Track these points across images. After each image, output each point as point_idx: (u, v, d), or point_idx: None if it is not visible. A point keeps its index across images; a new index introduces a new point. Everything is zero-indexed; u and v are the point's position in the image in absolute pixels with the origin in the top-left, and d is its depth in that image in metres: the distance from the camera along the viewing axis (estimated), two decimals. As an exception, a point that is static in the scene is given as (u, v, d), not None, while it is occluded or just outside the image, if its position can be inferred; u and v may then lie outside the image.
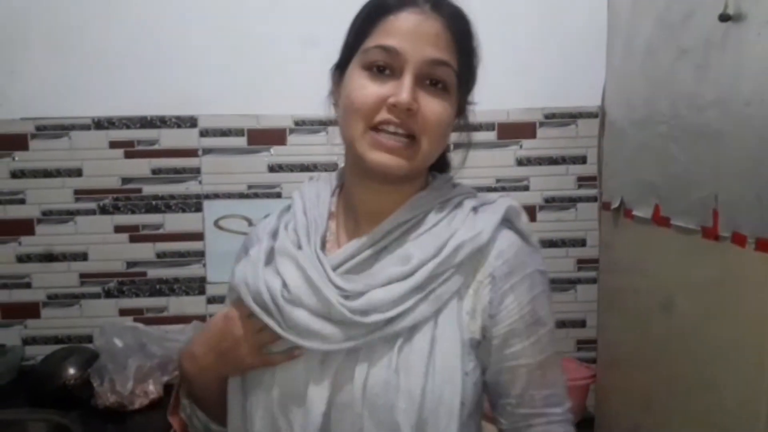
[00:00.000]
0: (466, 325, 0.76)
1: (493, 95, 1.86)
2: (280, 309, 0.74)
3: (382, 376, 0.72)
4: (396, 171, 0.76)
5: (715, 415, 1.10)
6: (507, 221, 0.81)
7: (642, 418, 1.42)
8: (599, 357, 1.79)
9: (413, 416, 0.71)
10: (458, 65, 0.78)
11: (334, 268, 0.77)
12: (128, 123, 1.87)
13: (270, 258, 0.80)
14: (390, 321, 0.73)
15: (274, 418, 0.76)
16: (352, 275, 0.77)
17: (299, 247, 0.79)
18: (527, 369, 0.78)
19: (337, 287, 0.74)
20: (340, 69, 0.82)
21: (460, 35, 0.79)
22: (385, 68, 0.75)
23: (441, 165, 0.91)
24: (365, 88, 0.75)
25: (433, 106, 0.75)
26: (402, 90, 0.73)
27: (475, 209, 0.82)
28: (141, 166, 1.89)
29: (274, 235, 0.83)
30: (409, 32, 0.74)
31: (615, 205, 1.51)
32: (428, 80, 0.76)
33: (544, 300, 0.79)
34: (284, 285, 0.76)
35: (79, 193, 1.88)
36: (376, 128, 0.75)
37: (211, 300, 1.93)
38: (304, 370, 0.75)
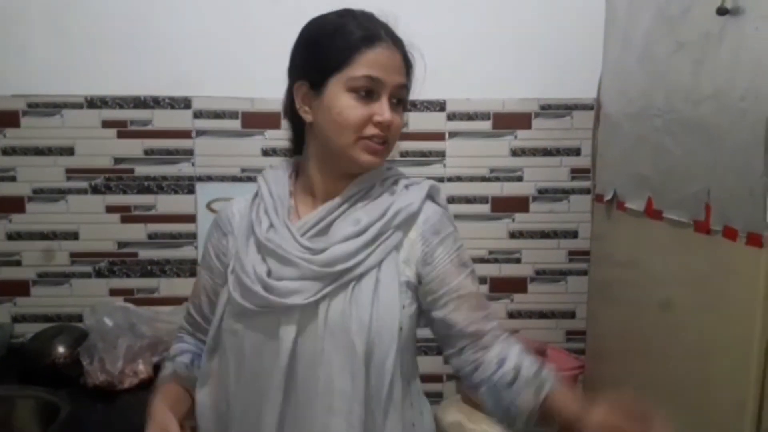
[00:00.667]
0: (402, 270, 0.97)
1: (490, 85, 1.89)
2: (266, 285, 0.93)
3: (339, 308, 0.92)
4: (375, 167, 0.99)
5: (703, 405, 1.11)
6: (431, 196, 1.03)
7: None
8: (588, 348, 1.80)
9: (364, 336, 0.91)
10: (408, 83, 1.01)
11: (301, 234, 0.97)
12: (121, 103, 1.86)
13: (254, 247, 0.99)
14: (348, 270, 0.93)
15: (246, 354, 0.95)
16: (315, 238, 0.97)
17: (271, 225, 0.99)
18: (467, 296, 0.97)
19: (305, 248, 0.95)
20: (311, 85, 0.98)
21: (408, 62, 1.00)
22: (367, 91, 0.94)
23: None
24: (356, 108, 0.94)
25: (398, 119, 0.97)
26: (384, 111, 0.94)
27: (406, 186, 1.03)
28: (133, 147, 1.88)
29: (250, 226, 1.00)
30: (385, 64, 0.95)
31: (608, 197, 1.52)
32: (395, 99, 0.97)
33: (463, 251, 1.01)
34: (268, 271, 0.95)
35: (71, 172, 1.87)
36: (365, 139, 0.95)
37: (202, 282, 1.93)
38: (275, 316, 0.94)
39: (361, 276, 0.94)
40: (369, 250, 0.94)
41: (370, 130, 0.94)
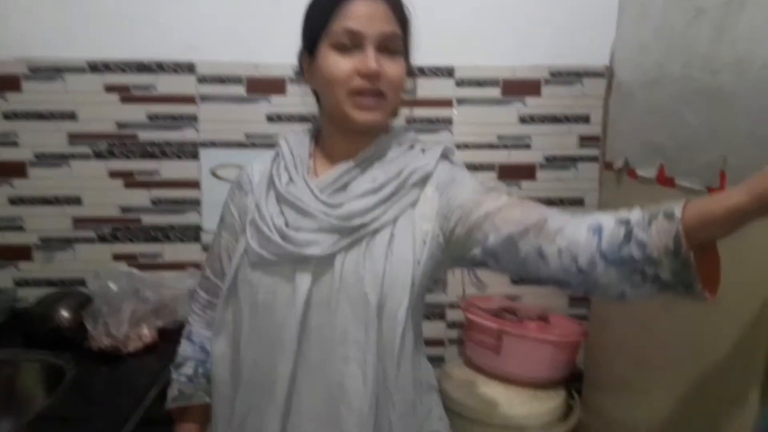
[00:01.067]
0: (418, 225, 0.98)
1: (499, 51, 1.86)
2: (284, 234, 0.96)
3: (354, 260, 0.94)
4: (374, 124, 0.99)
5: (706, 373, 1.12)
6: (445, 156, 1.06)
7: (632, 375, 1.45)
8: (592, 314, 1.82)
9: (377, 288, 0.93)
10: (403, 32, 1.00)
11: (319, 191, 0.99)
12: (124, 67, 1.82)
13: (274, 199, 1.02)
14: (364, 225, 0.95)
15: (260, 303, 0.98)
16: (334, 194, 1.00)
17: (290, 179, 1.02)
18: (508, 204, 0.92)
19: (324, 202, 0.98)
20: (309, 52, 1.02)
21: (400, 11, 1.00)
22: (350, 46, 0.95)
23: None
24: (339, 62, 0.95)
25: (392, 67, 0.97)
26: (368, 59, 0.94)
27: (423, 150, 1.06)
28: (137, 112, 1.85)
29: (270, 180, 1.03)
30: (365, 15, 0.95)
31: (618, 165, 1.51)
32: (385, 49, 0.96)
33: (487, 181, 1.03)
34: (286, 222, 0.98)
35: (74, 137, 1.84)
36: (354, 93, 0.96)
37: (206, 248, 1.92)
38: (290, 266, 0.96)
39: (376, 231, 0.96)
40: (385, 206, 0.97)
41: (357, 82, 0.95)
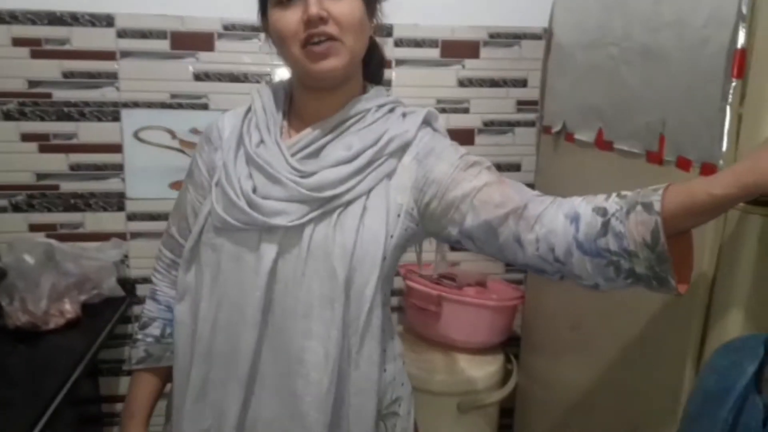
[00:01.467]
0: (392, 198, 0.93)
1: (439, 11, 1.82)
2: (251, 201, 0.91)
3: (323, 232, 0.90)
4: (334, 72, 0.92)
5: (641, 335, 1.14)
6: (427, 122, 1.00)
7: (568, 338, 1.48)
8: (528, 278, 1.84)
9: (346, 262, 0.89)
10: None
11: (292, 154, 0.94)
12: (34, 18, 1.68)
13: (243, 160, 0.96)
14: (336, 196, 0.91)
15: (223, 269, 0.93)
16: (306, 160, 0.94)
17: (261, 140, 0.96)
18: (488, 184, 0.90)
19: (295, 169, 0.92)
20: (263, 14, 0.97)
21: None
22: None
23: (377, 77, 1.08)
24: (283, 17, 0.90)
25: (341, 7, 0.89)
26: (310, 5, 0.87)
27: (404, 114, 1.00)
28: (50, 68, 1.71)
29: (240, 138, 0.97)
30: None
31: (556, 128, 1.51)
32: None
33: (468, 156, 0.94)
34: (254, 187, 0.92)
35: (-22, 95, 1.69)
36: (305, 45, 0.89)
37: (131, 216, 1.82)
38: (256, 234, 0.91)
39: (348, 203, 0.91)
40: (359, 177, 0.92)
41: (303, 34, 0.89)
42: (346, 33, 0.90)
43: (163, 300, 1.09)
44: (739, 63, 0.90)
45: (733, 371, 0.85)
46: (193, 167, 1.05)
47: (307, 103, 0.99)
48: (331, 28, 0.88)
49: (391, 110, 0.99)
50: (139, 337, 1.08)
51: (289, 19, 0.89)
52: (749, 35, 0.89)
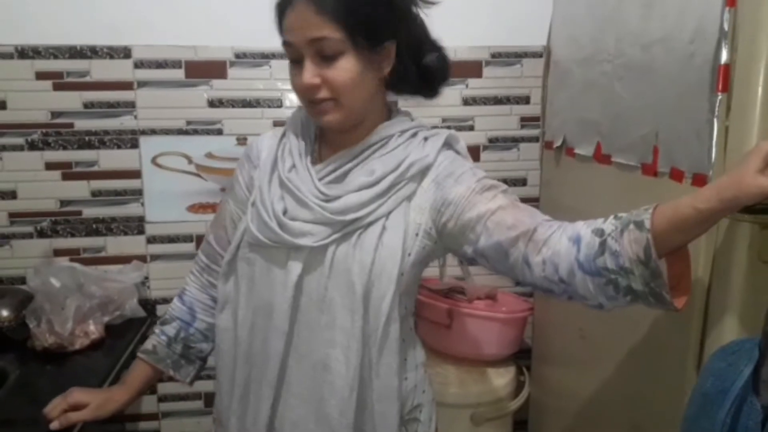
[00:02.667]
0: (412, 218, 0.99)
1: (440, 33, 1.85)
2: (281, 222, 0.98)
3: (344, 251, 0.97)
4: (336, 125, 0.99)
5: (646, 344, 1.17)
6: (448, 145, 1.04)
7: (577, 349, 1.50)
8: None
9: (364, 278, 0.95)
10: (345, 29, 0.92)
11: (319, 179, 1.01)
12: (56, 53, 1.75)
13: (277, 183, 1.03)
14: (358, 219, 0.97)
15: (256, 281, 1.02)
16: (332, 184, 1.01)
17: (294, 165, 1.02)
18: (503, 207, 0.94)
19: (321, 193, 0.99)
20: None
21: (333, 8, 0.92)
22: (296, 59, 0.96)
23: (432, 91, 1.10)
24: (293, 76, 0.98)
25: (333, 73, 0.94)
26: (304, 74, 0.94)
27: (426, 138, 1.04)
28: (71, 100, 1.78)
29: (275, 163, 1.04)
30: (294, 26, 0.94)
31: (557, 143, 1.55)
32: (321, 54, 0.94)
33: (486, 179, 0.99)
34: (285, 209, 1.00)
35: (4, 127, 1.76)
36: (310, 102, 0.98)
37: (151, 240, 1.88)
38: (285, 251, 0.99)
39: (369, 224, 0.98)
40: (381, 201, 0.98)
41: (306, 95, 0.97)
42: (341, 94, 0.95)
43: (187, 301, 1.17)
44: (724, 77, 0.94)
45: (730, 373, 0.88)
46: (234, 182, 1.12)
47: (332, 135, 1.05)
48: (324, 93, 0.95)
49: (414, 135, 1.03)
50: (156, 331, 1.17)
51: (297, 79, 0.97)
52: (731, 51, 0.93)
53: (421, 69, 1.04)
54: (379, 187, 0.97)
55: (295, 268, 0.98)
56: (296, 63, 0.96)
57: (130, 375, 1.18)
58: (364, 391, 0.99)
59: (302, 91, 0.97)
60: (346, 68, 0.94)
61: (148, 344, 1.16)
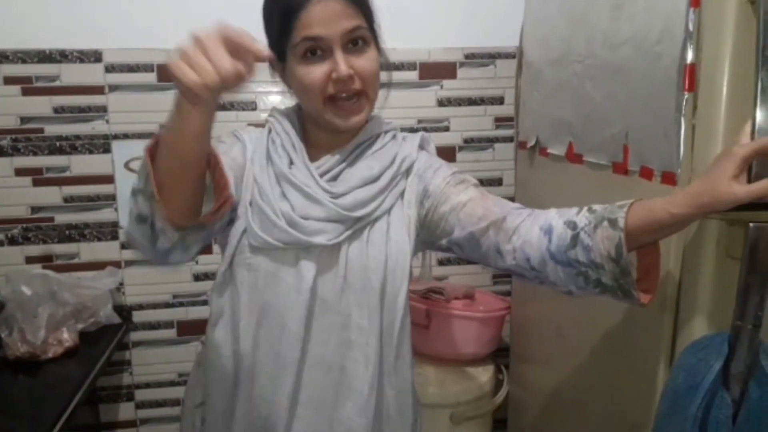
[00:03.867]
0: (406, 213, 1.01)
1: (415, 35, 1.88)
2: (292, 221, 0.94)
3: (357, 249, 0.97)
4: (361, 125, 1.00)
5: (620, 341, 1.18)
6: (421, 146, 1.09)
7: (554, 347, 1.52)
8: (514, 290, 1.88)
9: (380, 274, 0.96)
10: (366, 21, 0.96)
11: (320, 177, 0.99)
12: (24, 57, 1.73)
13: (274, 179, 0.99)
14: (367, 215, 0.97)
15: (260, 288, 0.96)
16: (330, 182, 0.99)
17: (291, 162, 1.00)
18: (473, 199, 0.98)
19: (327, 191, 0.97)
20: (277, 54, 0.98)
21: (357, 1, 0.95)
22: (316, 51, 0.93)
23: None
24: (311, 72, 0.93)
25: (364, 63, 0.94)
26: (339, 65, 0.91)
27: (404, 138, 1.09)
28: (41, 104, 1.76)
29: (268, 158, 1.00)
30: (323, 19, 0.91)
31: (531, 143, 1.56)
32: (352, 45, 0.94)
33: (459, 173, 1.03)
34: (292, 207, 0.96)
35: (-28, 133, 1.73)
36: (332, 100, 0.95)
37: (125, 245, 1.86)
38: (293, 252, 0.95)
39: (375, 220, 0.98)
40: (383, 196, 0.99)
41: (332, 89, 0.94)
42: (369, 86, 0.96)
43: None
44: (690, 77, 0.96)
45: (700, 368, 0.90)
46: (230, 144, 1.02)
47: (322, 137, 1.04)
48: (357, 85, 0.94)
49: (393, 136, 1.07)
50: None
51: (316, 74, 0.93)
52: (697, 51, 0.95)
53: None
54: (381, 182, 0.99)
55: (309, 269, 0.95)
56: (314, 59, 0.93)
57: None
58: (382, 389, 0.99)
59: (336, 82, 0.93)
60: (372, 58, 0.96)
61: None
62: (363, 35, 0.94)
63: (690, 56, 0.96)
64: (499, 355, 1.91)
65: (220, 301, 1.00)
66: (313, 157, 1.02)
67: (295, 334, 0.95)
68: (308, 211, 0.95)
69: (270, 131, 1.04)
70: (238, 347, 0.98)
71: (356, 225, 0.97)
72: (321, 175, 1.00)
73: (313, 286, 0.95)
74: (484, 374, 1.80)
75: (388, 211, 1.00)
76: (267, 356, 0.96)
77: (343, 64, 0.92)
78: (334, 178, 1.01)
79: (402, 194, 1.02)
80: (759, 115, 0.83)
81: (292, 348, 0.95)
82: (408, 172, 1.03)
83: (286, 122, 1.04)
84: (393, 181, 1.01)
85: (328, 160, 1.01)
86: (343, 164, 1.02)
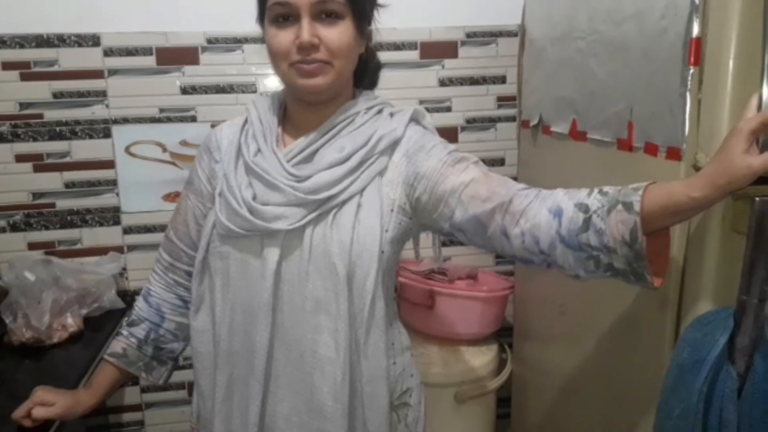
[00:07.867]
0: (385, 193, 0.98)
1: (416, 14, 1.86)
2: (252, 208, 0.95)
3: (321, 232, 0.94)
4: (320, 89, 0.96)
5: (625, 319, 1.18)
6: (415, 120, 1.04)
7: (557, 325, 1.52)
8: (517, 269, 1.88)
9: (345, 258, 0.93)
10: None
11: (287, 161, 0.98)
12: (22, 42, 1.72)
13: (243, 170, 1.00)
14: (331, 197, 0.95)
15: (232, 275, 0.98)
16: (301, 165, 0.98)
17: (259, 150, 1.00)
18: (476, 179, 0.94)
19: (291, 174, 0.96)
20: (261, 22, 1.00)
21: None
22: (287, 17, 0.93)
23: (370, 82, 1.11)
24: (277, 36, 0.94)
25: (332, 34, 0.93)
26: (303, 32, 0.91)
27: (391, 114, 1.04)
28: (40, 90, 1.75)
29: (239, 150, 1.02)
30: None
31: (534, 122, 1.55)
32: (323, 14, 0.93)
33: (456, 153, 0.99)
34: (254, 195, 0.97)
35: (-29, 119, 1.73)
36: (295, 65, 0.94)
37: (127, 230, 1.86)
38: (258, 239, 0.96)
39: (343, 202, 0.96)
40: (353, 177, 0.96)
41: (296, 56, 0.93)
42: (336, 58, 0.94)
43: (154, 302, 1.13)
44: (695, 51, 0.95)
45: (705, 343, 0.90)
46: (193, 176, 1.09)
47: (301, 113, 1.02)
48: (321, 54, 0.93)
49: (379, 111, 1.03)
50: (124, 333, 1.13)
51: (283, 39, 0.93)
52: (703, 25, 0.94)
53: (375, 63, 1.10)
54: (350, 164, 0.96)
55: (272, 254, 0.95)
56: (284, 23, 0.93)
57: (96, 379, 1.15)
58: (354, 374, 0.97)
59: (297, 49, 0.92)
60: (344, 32, 0.94)
61: (117, 347, 1.12)
62: (335, 9, 0.93)
63: (696, 30, 0.94)
64: (503, 335, 1.92)
65: (200, 288, 1.04)
66: (295, 137, 1.02)
67: (263, 320, 0.96)
68: (268, 198, 0.95)
69: (245, 122, 1.05)
70: (215, 332, 1.01)
71: (321, 208, 0.95)
72: (292, 158, 0.98)
73: (277, 270, 0.95)
74: (487, 353, 1.81)
75: (361, 193, 0.96)
76: (240, 340, 0.99)
77: (307, 31, 0.91)
78: (309, 159, 0.99)
79: (382, 174, 0.98)
80: (766, 89, 0.82)
81: (261, 333, 0.96)
82: (391, 150, 0.99)
83: (263, 107, 1.05)
84: (366, 161, 0.97)
85: (301, 142, 1.00)
86: (318, 144, 0.99)
